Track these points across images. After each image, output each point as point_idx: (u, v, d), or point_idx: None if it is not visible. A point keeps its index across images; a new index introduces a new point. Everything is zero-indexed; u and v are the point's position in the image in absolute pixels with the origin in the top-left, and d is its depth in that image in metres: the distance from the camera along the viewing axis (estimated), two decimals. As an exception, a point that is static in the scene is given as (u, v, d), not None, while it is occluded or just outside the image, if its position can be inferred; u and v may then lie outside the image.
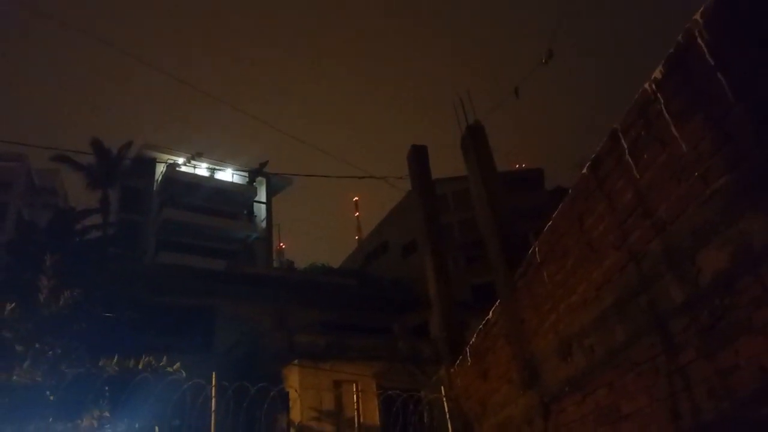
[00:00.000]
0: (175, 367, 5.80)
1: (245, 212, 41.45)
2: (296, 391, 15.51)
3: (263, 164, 40.49)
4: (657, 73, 3.17)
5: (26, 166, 39.91)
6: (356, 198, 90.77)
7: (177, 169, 39.13)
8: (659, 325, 3.27)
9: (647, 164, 3.30)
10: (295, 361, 17.60)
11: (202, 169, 40.81)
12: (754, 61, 2.52)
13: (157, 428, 5.89)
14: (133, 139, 34.06)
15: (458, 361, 8.01)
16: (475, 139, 7.74)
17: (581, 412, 4.37)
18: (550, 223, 4.78)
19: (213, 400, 6.62)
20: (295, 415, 16.04)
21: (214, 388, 6.66)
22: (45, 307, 5.96)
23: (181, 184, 38.17)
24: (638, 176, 3.40)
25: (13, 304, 5.61)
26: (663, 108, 3.13)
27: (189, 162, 39.95)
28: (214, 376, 6.75)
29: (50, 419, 5.23)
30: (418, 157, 10.09)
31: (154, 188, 39.01)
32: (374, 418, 15.96)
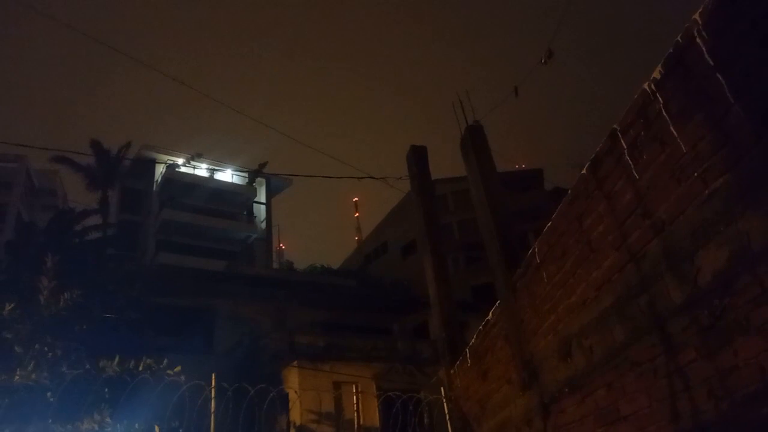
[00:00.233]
0: (175, 369, 5.79)
1: (245, 213, 41.47)
2: (296, 392, 15.51)
3: (263, 165, 40.50)
4: (656, 73, 3.17)
5: (26, 167, 39.95)
6: (356, 198, 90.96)
7: (176, 169, 39.14)
8: (659, 325, 3.27)
9: (646, 164, 3.30)
10: (295, 363, 17.61)
11: (201, 170, 40.82)
12: (753, 60, 2.52)
13: (157, 428, 5.88)
14: (133, 139, 34.14)
15: (458, 362, 8.01)
16: (474, 140, 7.74)
17: (580, 413, 4.37)
18: (549, 224, 4.78)
19: (212, 402, 6.62)
20: (295, 416, 16.03)
21: (213, 390, 6.66)
22: (45, 308, 5.96)
23: (180, 185, 38.18)
24: (637, 176, 3.40)
25: (13, 305, 5.61)
26: (662, 108, 3.13)
27: (188, 162, 39.97)
28: (213, 377, 6.74)
29: (49, 420, 5.23)
30: (418, 157, 10.09)
31: (154, 189, 39.02)
32: (374, 419, 15.98)
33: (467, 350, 7.56)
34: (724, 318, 2.73)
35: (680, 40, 2.96)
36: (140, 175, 38.29)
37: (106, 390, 5.80)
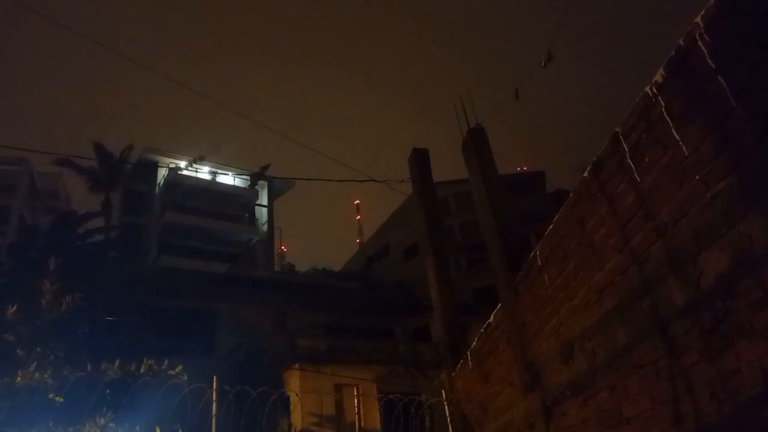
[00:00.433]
0: (177, 369, 5.78)
1: (247, 215, 41.49)
2: (297, 395, 15.48)
3: (265, 167, 40.48)
4: (658, 76, 3.17)
5: (28, 170, 40.02)
6: (357, 201, 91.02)
7: (179, 172, 39.17)
8: (661, 327, 3.26)
9: (648, 167, 3.30)
10: (296, 365, 17.60)
11: (204, 173, 40.84)
12: (755, 63, 2.53)
13: (158, 430, 5.87)
14: (135, 142, 34.21)
15: (459, 365, 8.00)
16: (476, 142, 7.74)
17: (583, 416, 4.36)
18: (551, 227, 4.77)
19: (214, 404, 6.62)
20: (296, 419, 16.01)
21: (215, 392, 6.66)
22: (47, 310, 5.97)
23: (183, 188, 38.21)
24: (639, 179, 3.40)
25: (15, 307, 5.62)
26: (664, 111, 3.13)
27: (191, 165, 39.99)
28: (215, 379, 6.74)
29: (51, 423, 5.23)
30: (420, 160, 10.10)
31: (156, 191, 39.06)
32: (375, 422, 15.96)
33: (469, 353, 7.56)
34: (726, 321, 2.73)
35: (682, 43, 2.97)
36: (143, 177, 38.32)
37: (108, 392, 5.79)
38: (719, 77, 2.70)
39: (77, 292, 6.13)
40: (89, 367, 5.49)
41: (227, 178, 42.02)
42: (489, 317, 6.67)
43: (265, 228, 41.81)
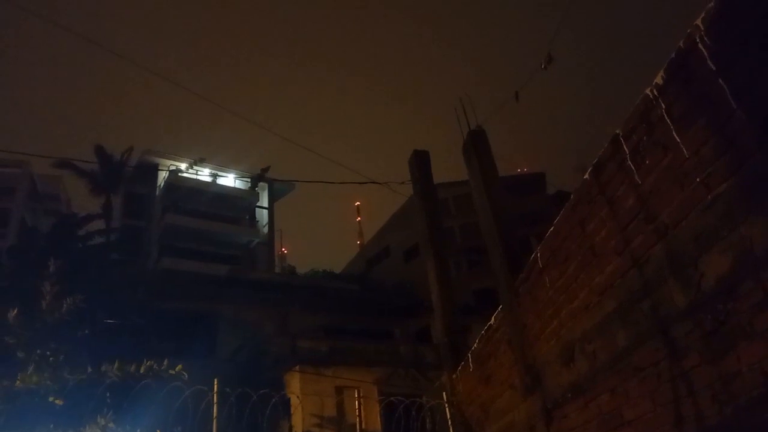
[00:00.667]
0: (177, 368, 5.77)
1: (247, 217, 41.52)
2: (297, 397, 15.49)
3: (265, 170, 40.56)
4: (658, 79, 3.18)
5: (29, 172, 40.04)
6: (358, 203, 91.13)
7: (179, 174, 39.20)
8: (662, 330, 3.26)
9: (649, 169, 3.30)
10: (297, 367, 17.59)
11: (204, 175, 40.89)
12: (755, 66, 2.53)
13: (159, 433, 5.87)
14: (135, 144, 34.24)
15: (460, 367, 7.99)
16: (476, 144, 7.74)
17: (584, 418, 4.35)
18: (552, 229, 4.77)
19: (215, 407, 6.61)
20: (297, 421, 16.00)
21: (216, 395, 6.65)
22: (47, 312, 5.96)
23: (183, 190, 38.25)
24: (640, 181, 3.40)
25: (16, 310, 5.61)
26: (664, 113, 3.14)
27: (191, 167, 40.02)
28: (216, 382, 6.74)
29: (51, 426, 5.22)
30: (420, 162, 10.10)
31: (157, 194, 39.11)
32: (376, 424, 15.92)
33: (470, 355, 7.55)
34: (727, 323, 2.73)
35: (682, 46, 2.97)
36: (143, 180, 38.35)
37: (108, 395, 5.78)
38: (720, 79, 2.70)
39: (78, 294, 6.12)
40: (89, 369, 5.49)
41: (228, 180, 42.07)
42: (490, 319, 6.66)
43: (265, 230, 41.83)
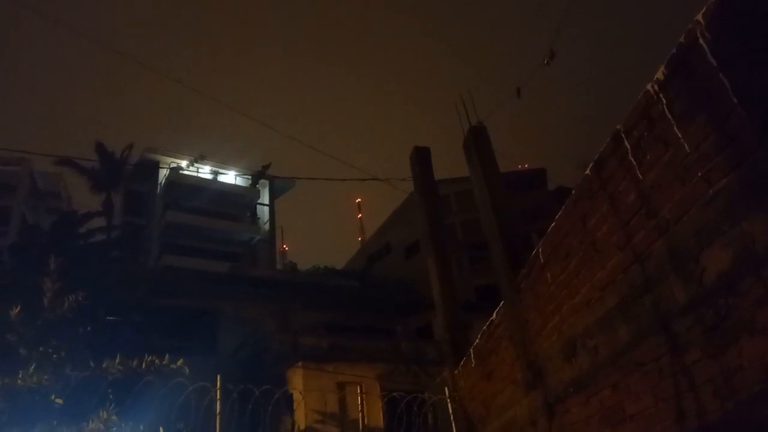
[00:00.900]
0: (178, 363, 5.77)
1: (248, 214, 41.48)
2: (300, 393, 15.52)
3: (266, 167, 40.51)
4: (659, 74, 3.17)
5: (30, 170, 40.02)
6: (359, 200, 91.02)
7: (180, 171, 39.18)
8: (664, 325, 3.27)
9: (650, 165, 3.30)
10: (299, 364, 17.62)
11: (205, 172, 40.86)
12: (756, 61, 2.52)
13: (162, 430, 5.88)
14: (136, 141, 34.22)
15: (462, 363, 8.00)
16: (477, 141, 7.74)
17: (586, 413, 4.36)
18: (553, 224, 4.78)
19: (218, 403, 6.63)
20: (299, 417, 16.04)
21: (218, 391, 6.67)
22: (49, 310, 5.96)
23: (184, 187, 38.21)
24: (641, 177, 3.40)
25: (17, 307, 5.62)
26: (665, 109, 3.13)
27: (192, 165, 39.99)
28: (218, 378, 6.76)
29: (54, 422, 5.24)
30: (421, 158, 10.10)
31: (158, 191, 39.07)
32: (378, 419, 15.95)
33: (471, 351, 7.56)
34: (728, 318, 2.73)
35: (683, 41, 2.96)
36: (144, 177, 38.31)
37: (110, 392, 5.80)
38: (720, 75, 2.70)
39: (79, 291, 6.13)
40: (92, 365, 5.50)
41: (228, 178, 42.03)
42: (491, 315, 6.67)
43: (266, 227, 41.80)
